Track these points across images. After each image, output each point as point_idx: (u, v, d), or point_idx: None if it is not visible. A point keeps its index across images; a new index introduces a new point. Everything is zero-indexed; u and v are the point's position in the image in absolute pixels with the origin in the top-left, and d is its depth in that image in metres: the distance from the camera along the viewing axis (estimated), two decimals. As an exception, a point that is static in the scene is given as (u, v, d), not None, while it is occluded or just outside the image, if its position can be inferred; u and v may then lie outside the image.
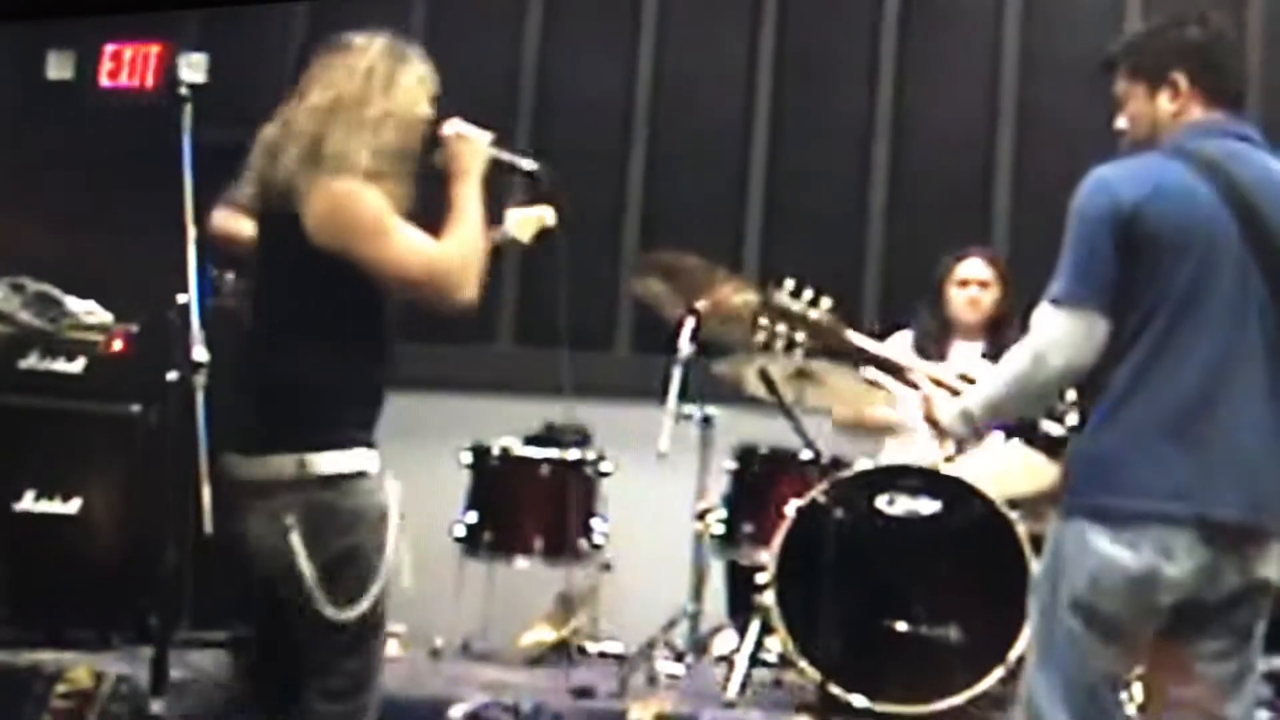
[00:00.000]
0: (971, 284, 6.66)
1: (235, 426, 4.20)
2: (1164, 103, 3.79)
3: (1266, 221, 3.60)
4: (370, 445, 4.05)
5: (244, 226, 6.02)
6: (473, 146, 4.21)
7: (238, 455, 4.11)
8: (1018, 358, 3.71)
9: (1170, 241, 3.57)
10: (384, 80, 4.06)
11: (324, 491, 3.97)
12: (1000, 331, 6.54)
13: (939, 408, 3.97)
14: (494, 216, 4.44)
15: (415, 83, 4.13)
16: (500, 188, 4.55)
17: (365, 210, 3.94)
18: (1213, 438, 3.56)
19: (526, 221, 5.55)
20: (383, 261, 3.96)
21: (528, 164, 4.60)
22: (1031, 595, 3.82)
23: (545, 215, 5.64)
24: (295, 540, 3.94)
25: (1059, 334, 3.61)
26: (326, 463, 3.97)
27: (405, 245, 3.99)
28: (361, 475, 4.01)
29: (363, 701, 4.10)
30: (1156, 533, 3.55)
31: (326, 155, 3.95)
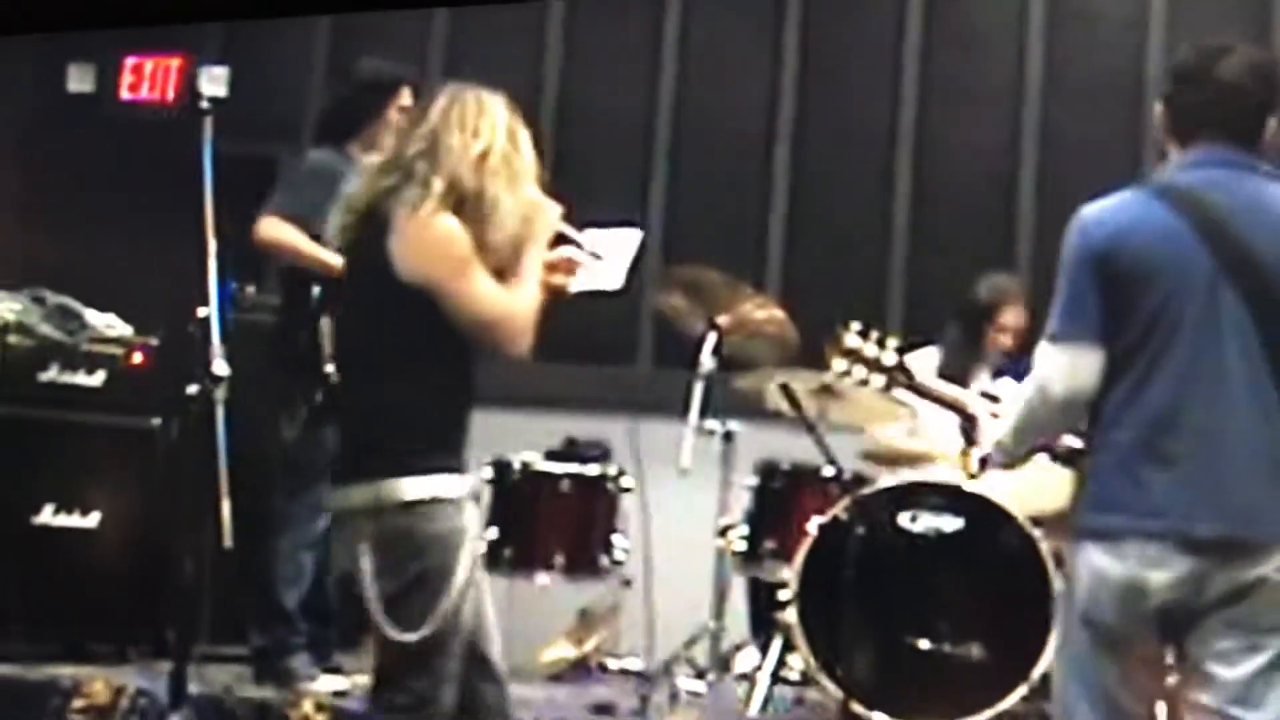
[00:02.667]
0: (1011, 330, 6.67)
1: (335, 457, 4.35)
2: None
3: (1245, 248, 3.73)
4: (453, 470, 4.15)
5: (292, 235, 6.04)
6: (548, 215, 4.37)
7: (331, 486, 4.25)
8: (1027, 390, 3.93)
9: (1143, 275, 3.74)
10: (515, 136, 4.29)
11: (401, 517, 4.06)
12: (1023, 355, 6.54)
13: (989, 437, 4.18)
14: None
15: (528, 140, 4.33)
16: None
17: (460, 246, 4.11)
18: (1187, 457, 3.71)
19: None
20: (462, 296, 4.11)
21: (589, 245, 4.78)
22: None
23: None
24: (365, 565, 4.05)
25: (1056, 369, 3.82)
26: (404, 489, 4.07)
27: (485, 288, 4.14)
28: (438, 501, 4.09)
29: (427, 717, 4.16)
30: (1139, 546, 3.69)
31: (481, 204, 4.15)
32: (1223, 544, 3.67)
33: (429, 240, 4.10)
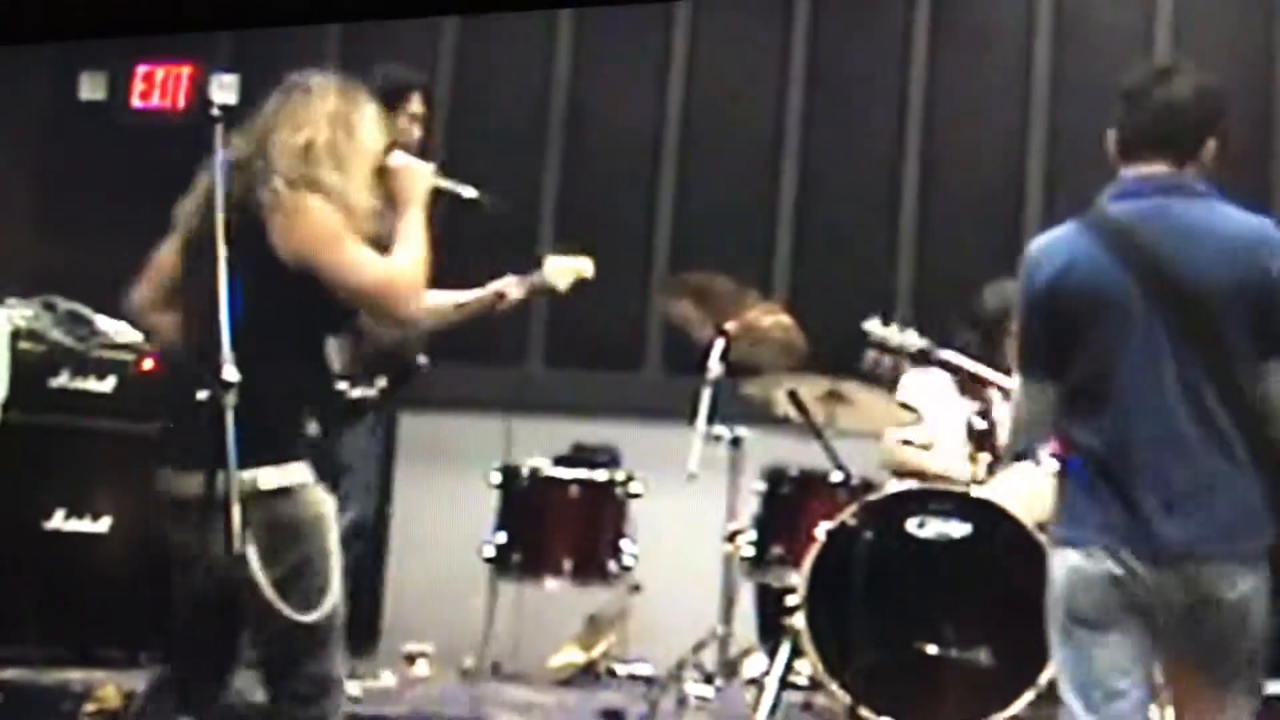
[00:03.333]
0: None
1: (176, 443, 4.35)
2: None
3: (1172, 276, 3.92)
4: (307, 456, 4.21)
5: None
6: (418, 176, 4.52)
7: (182, 473, 4.24)
8: (1009, 405, 4.40)
9: (1081, 312, 3.97)
10: (346, 121, 4.37)
11: (277, 504, 4.13)
12: None
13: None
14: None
15: (371, 121, 4.44)
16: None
17: (330, 222, 4.23)
18: (1135, 481, 3.92)
19: (564, 270, 5.90)
20: (341, 267, 4.23)
21: (469, 192, 4.99)
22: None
23: (583, 267, 5.94)
24: (252, 554, 4.07)
25: (1018, 400, 4.19)
26: (278, 476, 4.14)
27: (363, 256, 4.27)
28: (305, 486, 4.18)
29: (331, 705, 4.27)
30: (1105, 552, 3.92)
31: (321, 189, 4.25)
32: (1177, 559, 3.87)
33: (299, 219, 4.20)
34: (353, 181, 4.31)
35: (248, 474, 4.08)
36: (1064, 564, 3.99)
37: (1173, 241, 3.93)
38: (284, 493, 4.13)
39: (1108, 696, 3.91)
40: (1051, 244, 4.07)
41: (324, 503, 4.23)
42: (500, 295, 6.25)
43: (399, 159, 4.51)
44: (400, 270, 4.33)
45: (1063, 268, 4.00)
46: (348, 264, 4.24)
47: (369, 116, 4.43)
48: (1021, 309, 4.12)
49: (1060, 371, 4.02)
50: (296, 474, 4.16)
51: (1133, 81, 4.12)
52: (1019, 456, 5.53)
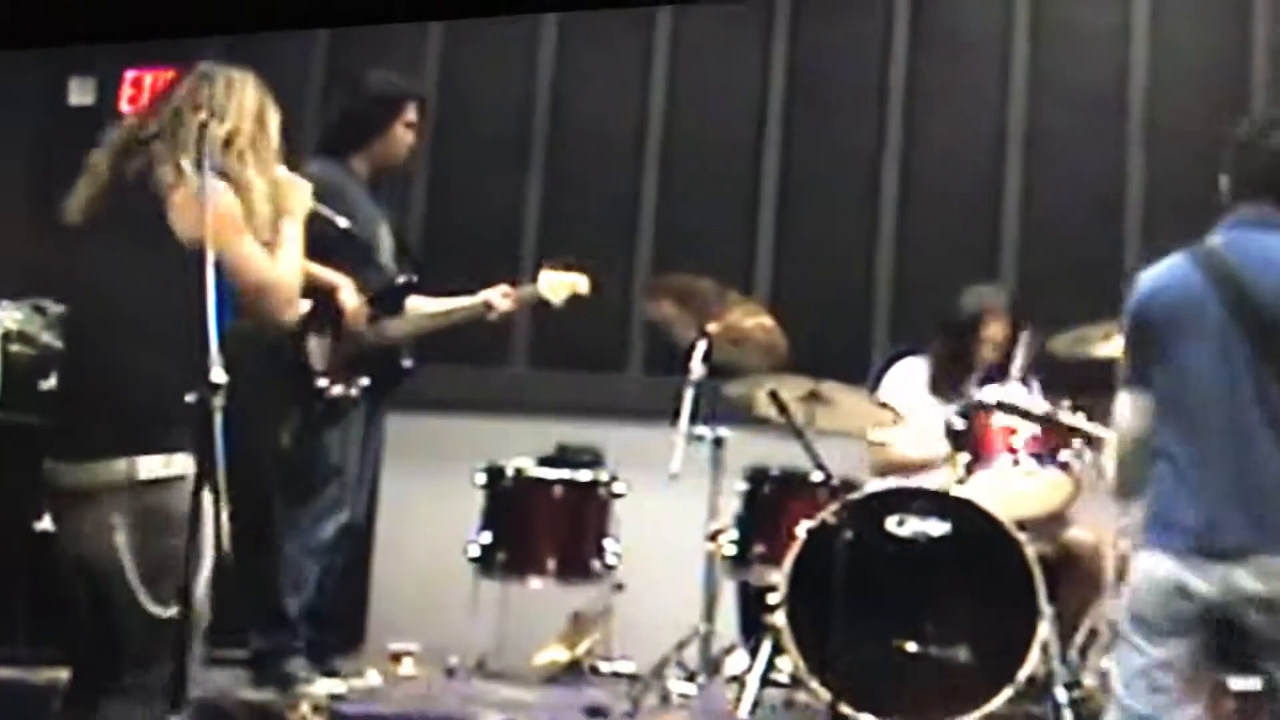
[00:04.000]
0: (992, 342, 6.72)
1: (59, 433, 4.42)
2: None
3: (1253, 298, 4.15)
4: (187, 448, 4.10)
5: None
6: (299, 190, 4.55)
7: (63, 463, 4.27)
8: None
9: (1167, 327, 4.24)
10: (262, 118, 4.42)
11: (156, 493, 4.10)
12: (1005, 365, 6.58)
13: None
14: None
15: (276, 120, 4.47)
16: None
17: (231, 210, 4.25)
18: (1211, 483, 4.12)
19: (560, 285, 6.03)
20: (231, 258, 4.19)
21: (343, 222, 5.49)
22: None
23: (578, 283, 6.04)
24: (121, 542, 4.10)
25: (1120, 411, 4.39)
26: (160, 465, 4.11)
27: (253, 253, 4.30)
28: (182, 479, 4.08)
29: (179, 699, 4.19)
30: (1178, 554, 4.11)
31: (224, 177, 4.27)
32: (1244, 552, 4.02)
33: (208, 204, 4.14)
34: (261, 178, 4.34)
35: (123, 462, 4.11)
36: (1139, 566, 4.21)
37: (1258, 267, 4.16)
38: (162, 483, 4.09)
39: (1153, 689, 4.07)
40: (1156, 269, 4.32)
41: (200, 495, 4.03)
42: (488, 305, 6.34)
43: (283, 172, 4.53)
44: (281, 276, 4.36)
45: (1157, 288, 4.27)
46: (239, 256, 4.24)
47: (275, 116, 4.46)
48: (1124, 328, 4.38)
49: (1151, 384, 4.25)
50: (178, 465, 4.10)
51: (1244, 131, 4.37)
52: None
